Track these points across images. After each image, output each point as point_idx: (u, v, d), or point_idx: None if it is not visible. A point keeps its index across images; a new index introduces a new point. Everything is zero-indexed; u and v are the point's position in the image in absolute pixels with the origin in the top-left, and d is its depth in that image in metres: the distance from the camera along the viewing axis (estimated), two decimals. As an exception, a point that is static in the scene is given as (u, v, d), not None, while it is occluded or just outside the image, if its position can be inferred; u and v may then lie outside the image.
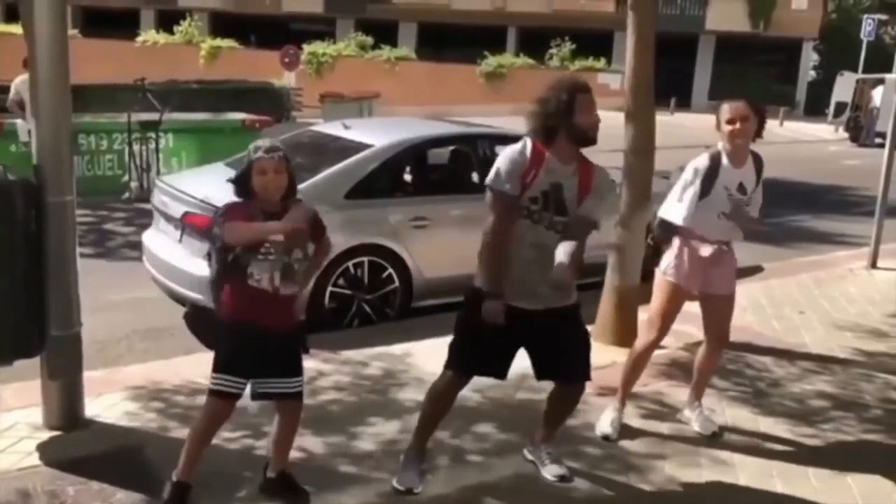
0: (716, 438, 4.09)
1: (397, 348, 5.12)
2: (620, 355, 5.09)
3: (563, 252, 3.17)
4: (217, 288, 3.21)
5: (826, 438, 4.20)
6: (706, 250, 3.92)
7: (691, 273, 3.95)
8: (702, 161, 3.88)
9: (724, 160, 3.87)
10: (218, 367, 3.13)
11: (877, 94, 22.08)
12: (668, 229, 3.97)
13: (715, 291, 4.01)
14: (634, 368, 4.16)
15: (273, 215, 3.06)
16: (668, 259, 4.03)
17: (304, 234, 3.12)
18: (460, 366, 3.45)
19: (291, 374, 3.20)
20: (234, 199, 3.16)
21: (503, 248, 3.28)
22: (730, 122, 3.80)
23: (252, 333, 3.09)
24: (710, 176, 3.83)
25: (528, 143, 3.33)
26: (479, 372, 3.49)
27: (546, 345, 3.40)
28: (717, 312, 4.08)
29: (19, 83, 9.93)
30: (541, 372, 3.49)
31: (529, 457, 3.77)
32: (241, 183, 3.10)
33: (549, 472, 3.64)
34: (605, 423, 4.10)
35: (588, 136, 3.31)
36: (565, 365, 3.44)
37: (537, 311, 3.33)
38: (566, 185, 3.31)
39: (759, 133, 3.89)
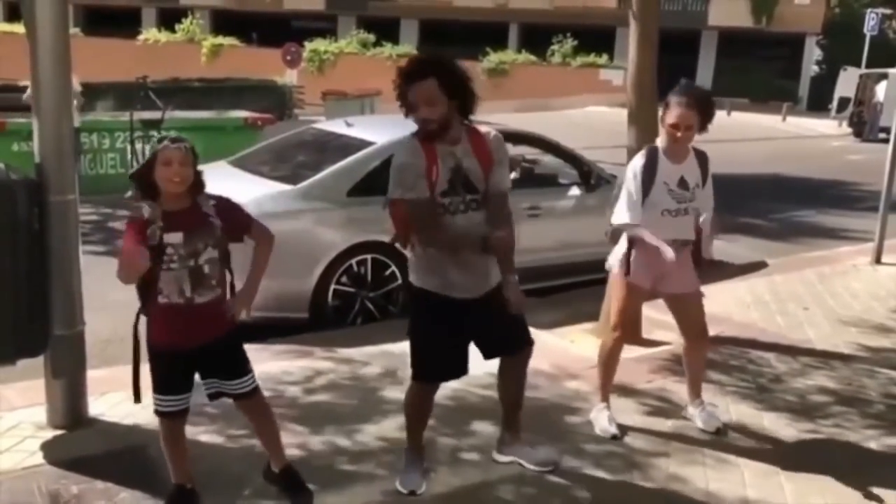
0: (720, 435, 4.08)
1: (400, 346, 5.10)
2: (623, 352, 5.09)
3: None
4: (139, 294, 3.00)
5: (830, 434, 4.19)
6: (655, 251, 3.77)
7: (641, 270, 3.90)
8: (637, 161, 3.88)
9: (661, 156, 3.85)
10: (155, 388, 3.05)
11: (880, 89, 22.04)
12: (619, 236, 3.97)
13: (677, 290, 3.99)
14: (606, 368, 4.15)
15: (176, 214, 2.88)
16: (615, 255, 4.03)
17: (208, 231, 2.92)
18: (423, 375, 3.44)
19: (236, 376, 3.09)
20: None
21: (444, 235, 3.20)
22: (672, 126, 3.77)
23: (180, 357, 2.98)
24: (649, 173, 3.81)
25: (416, 142, 3.19)
26: (441, 378, 3.48)
27: (488, 326, 3.37)
28: (687, 310, 4.06)
29: None
30: (489, 351, 3.47)
31: (504, 459, 3.71)
32: (142, 176, 2.89)
33: (538, 463, 3.65)
34: (605, 424, 4.06)
35: (425, 133, 3.17)
36: (510, 337, 3.44)
37: (475, 299, 3.30)
38: (465, 162, 3.21)
39: (703, 128, 3.81)
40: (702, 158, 3.96)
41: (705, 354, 4.30)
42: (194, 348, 2.98)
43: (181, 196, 2.92)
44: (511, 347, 3.50)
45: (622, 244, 3.98)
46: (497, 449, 3.76)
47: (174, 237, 2.87)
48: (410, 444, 3.58)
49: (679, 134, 3.77)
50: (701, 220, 3.90)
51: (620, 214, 3.90)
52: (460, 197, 3.22)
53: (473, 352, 3.46)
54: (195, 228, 2.91)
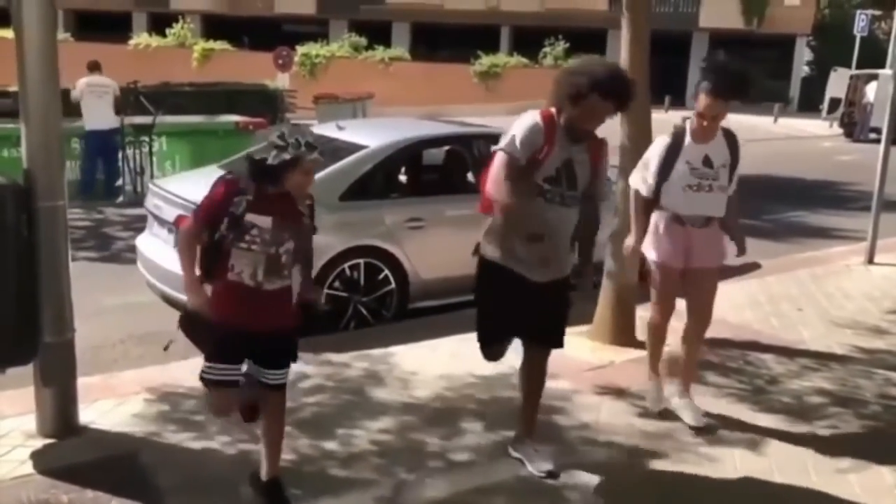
0: (709, 433, 4.06)
1: (391, 350, 5.09)
2: (618, 355, 5.08)
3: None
4: (203, 262, 3.01)
5: (825, 435, 4.18)
6: (681, 226, 4.01)
7: (672, 249, 4.04)
8: (662, 139, 4.04)
9: (688, 137, 3.97)
10: (207, 355, 3.07)
11: (870, 90, 22.11)
12: (639, 201, 4.14)
13: (697, 265, 4.06)
14: (653, 345, 4.34)
15: (270, 198, 2.92)
16: (648, 238, 4.13)
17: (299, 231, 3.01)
18: (484, 338, 3.66)
19: (280, 367, 3.12)
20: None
21: (517, 207, 3.35)
22: (700, 115, 3.90)
23: (239, 335, 3.00)
24: (672, 151, 3.96)
25: (540, 120, 3.41)
26: (498, 339, 3.68)
27: (541, 312, 3.54)
28: (699, 287, 4.12)
29: (82, 84, 10.71)
30: (530, 336, 3.64)
31: (515, 454, 3.76)
32: (272, 173, 2.88)
33: (537, 468, 3.64)
34: (654, 398, 4.30)
35: (577, 136, 3.42)
36: (553, 332, 3.62)
37: (543, 282, 3.48)
38: (577, 160, 3.43)
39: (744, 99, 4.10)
40: (731, 139, 4.04)
41: (701, 340, 4.32)
42: (256, 332, 2.98)
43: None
44: (548, 342, 3.66)
45: (650, 229, 4.10)
46: (510, 443, 3.82)
47: (262, 220, 2.89)
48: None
49: (706, 123, 3.90)
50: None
51: (637, 179, 4.13)
52: (561, 188, 3.41)
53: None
54: (287, 219, 2.95)
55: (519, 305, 3.51)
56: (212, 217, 2.94)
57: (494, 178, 3.39)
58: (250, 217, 2.89)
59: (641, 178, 4.10)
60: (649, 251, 4.14)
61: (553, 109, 3.44)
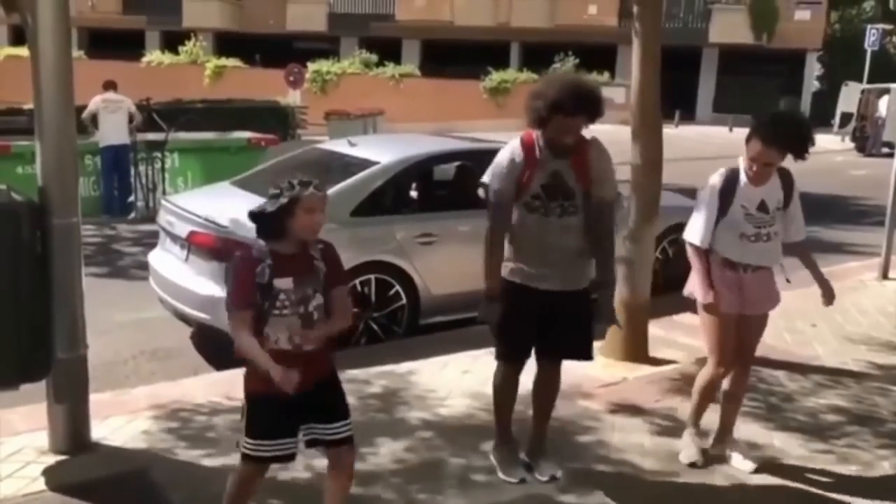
0: (759, 472, 3.87)
1: (404, 366, 5.08)
2: (631, 371, 5.05)
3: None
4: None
5: (841, 454, 4.13)
6: (733, 271, 3.72)
7: (728, 297, 3.71)
8: (716, 179, 3.71)
9: (742, 178, 3.67)
10: (249, 433, 2.81)
11: (882, 104, 22.04)
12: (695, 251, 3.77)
13: (752, 311, 3.79)
14: (702, 399, 3.97)
15: (286, 258, 2.76)
16: (693, 282, 3.79)
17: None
18: (503, 354, 3.69)
19: (334, 420, 2.87)
20: (243, 232, 2.80)
21: (500, 245, 3.51)
22: (751, 160, 3.60)
23: (284, 403, 2.74)
24: (726, 194, 3.65)
25: (518, 144, 3.50)
26: (516, 357, 3.67)
27: (558, 323, 3.57)
28: (747, 330, 3.83)
29: (98, 101, 10.87)
30: (546, 349, 3.66)
31: (525, 458, 3.81)
32: (274, 221, 2.74)
33: (543, 472, 3.71)
34: (691, 453, 3.94)
35: (558, 149, 3.45)
36: (568, 342, 3.62)
37: (557, 291, 3.52)
38: (564, 169, 3.47)
39: (799, 157, 3.62)
40: (786, 178, 3.73)
41: (744, 389, 4.07)
42: (300, 394, 2.74)
43: (308, 243, 2.82)
44: (569, 354, 3.68)
45: (696, 270, 3.77)
46: (524, 450, 3.87)
47: (284, 283, 2.74)
48: (499, 436, 3.79)
49: (755, 169, 3.61)
50: (790, 241, 3.78)
51: (693, 232, 3.74)
52: (557, 201, 3.46)
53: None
54: (305, 274, 2.78)
55: (532, 317, 3.56)
56: (249, 296, 2.74)
57: (488, 213, 3.57)
58: (276, 284, 2.74)
59: (695, 229, 3.73)
60: (699, 294, 3.76)
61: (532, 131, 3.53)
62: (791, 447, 4.17)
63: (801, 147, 3.59)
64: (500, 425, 3.83)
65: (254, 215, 2.80)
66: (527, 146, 3.50)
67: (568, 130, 3.40)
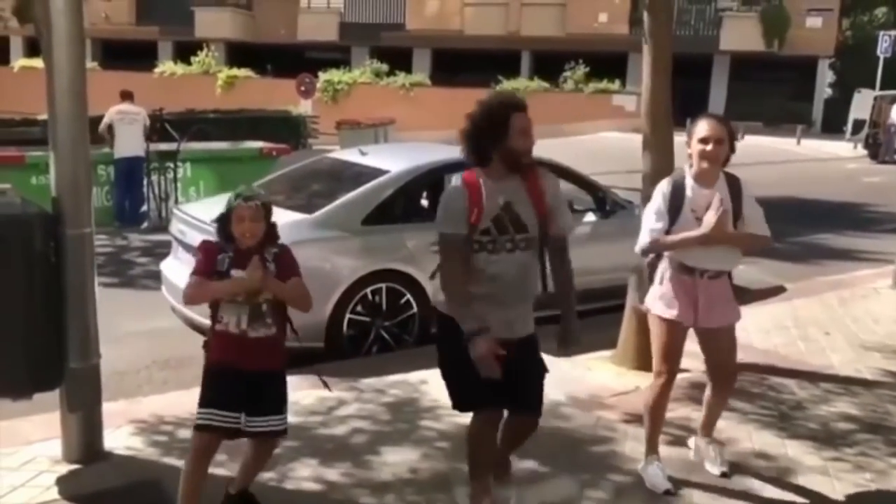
0: (725, 478, 3.84)
1: (415, 375, 5.07)
2: (643, 380, 5.02)
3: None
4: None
5: (855, 463, 4.10)
6: (689, 276, 3.64)
7: (681, 304, 3.65)
8: (663, 186, 3.68)
9: (689, 181, 3.62)
10: (200, 402, 3.19)
11: (894, 111, 21.89)
12: (651, 256, 3.75)
13: (711, 324, 3.70)
14: (653, 417, 3.82)
15: (245, 253, 3.13)
16: (653, 292, 3.76)
17: (260, 282, 3.09)
18: (463, 403, 3.28)
19: (271, 413, 3.21)
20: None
21: (464, 285, 3.14)
22: (703, 140, 3.53)
23: (229, 374, 3.15)
24: (676, 200, 3.60)
25: (461, 181, 3.19)
26: (483, 401, 3.21)
27: (513, 374, 3.19)
28: (716, 347, 3.77)
29: (113, 113, 10.90)
30: (502, 399, 3.23)
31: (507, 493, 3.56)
32: (221, 227, 3.21)
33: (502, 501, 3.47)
34: (655, 479, 3.75)
35: (520, 163, 3.17)
36: (527, 395, 3.29)
37: (512, 340, 3.20)
38: (515, 199, 3.18)
39: (725, 161, 3.61)
40: (733, 183, 3.66)
41: (727, 398, 4.00)
42: (245, 372, 3.14)
43: (253, 247, 3.18)
44: (522, 407, 3.32)
45: (655, 280, 3.76)
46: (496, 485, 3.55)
47: (240, 274, 3.11)
48: (474, 487, 3.36)
49: (709, 147, 3.52)
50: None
51: (641, 241, 3.71)
52: (509, 234, 3.17)
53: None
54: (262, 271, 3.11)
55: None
56: (205, 275, 3.18)
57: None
58: (234, 272, 3.13)
59: (649, 236, 3.67)
60: (654, 304, 3.74)
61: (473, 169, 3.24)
62: (803, 456, 4.13)
63: (732, 133, 3.63)
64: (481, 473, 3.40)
65: (214, 221, 3.31)
66: (469, 184, 3.17)
67: (527, 130, 3.14)
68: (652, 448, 3.85)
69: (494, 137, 3.15)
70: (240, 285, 3.09)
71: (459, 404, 3.30)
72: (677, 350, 3.73)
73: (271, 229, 3.22)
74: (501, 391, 3.17)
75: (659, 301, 3.71)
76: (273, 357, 3.24)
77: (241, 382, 3.15)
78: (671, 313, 3.67)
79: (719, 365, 3.81)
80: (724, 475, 3.87)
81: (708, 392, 3.97)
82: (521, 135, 3.15)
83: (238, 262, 3.14)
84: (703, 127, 3.57)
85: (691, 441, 4.13)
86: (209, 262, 3.17)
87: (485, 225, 3.14)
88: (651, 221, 3.68)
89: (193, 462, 3.20)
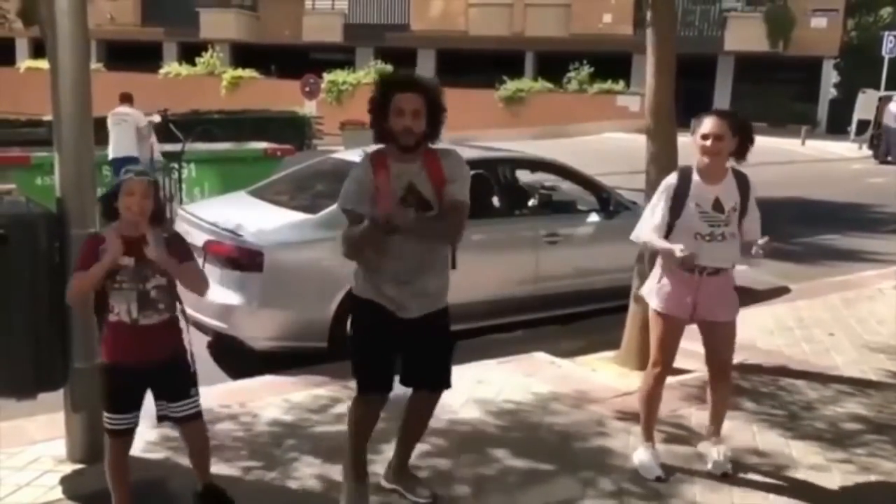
0: (726, 479, 3.85)
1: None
2: (647, 380, 5.02)
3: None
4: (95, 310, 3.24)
5: (861, 463, 4.09)
6: (689, 272, 3.69)
7: (677, 299, 3.74)
8: (670, 178, 3.79)
9: (695, 176, 3.72)
10: (105, 406, 3.22)
11: (891, 110, 21.62)
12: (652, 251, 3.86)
13: (709, 318, 3.78)
14: (648, 406, 3.95)
15: (131, 240, 3.09)
16: (650, 285, 3.88)
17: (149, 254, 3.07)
18: (358, 386, 3.41)
19: (179, 398, 3.24)
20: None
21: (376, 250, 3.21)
22: (703, 136, 3.64)
23: (126, 372, 3.15)
24: (680, 194, 3.69)
25: (368, 159, 3.28)
26: (372, 389, 3.38)
27: (417, 352, 3.36)
28: (713, 341, 3.85)
29: (109, 115, 10.73)
30: (408, 378, 3.43)
31: (389, 485, 3.63)
32: (107, 202, 3.16)
33: (419, 495, 3.55)
34: (649, 464, 3.87)
35: (398, 143, 3.18)
36: (433, 372, 3.41)
37: (412, 319, 3.29)
38: (418, 181, 3.21)
39: (741, 154, 3.70)
40: (742, 180, 3.75)
41: (726, 394, 4.05)
42: (142, 368, 3.15)
43: (139, 224, 3.12)
44: (430, 383, 3.44)
45: (654, 272, 3.87)
46: (385, 475, 3.67)
47: (126, 261, 3.09)
48: (353, 467, 3.49)
49: (708, 143, 3.61)
50: (753, 250, 3.70)
51: (638, 231, 3.85)
52: (416, 215, 3.20)
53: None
54: (144, 256, 3.10)
55: (393, 346, 3.33)
56: (87, 266, 3.12)
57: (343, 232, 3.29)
58: (123, 260, 3.09)
59: (646, 228, 3.81)
60: (651, 297, 3.85)
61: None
62: (810, 456, 4.12)
63: (746, 129, 3.68)
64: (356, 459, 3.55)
65: (99, 198, 3.28)
66: (376, 161, 3.26)
67: (403, 111, 3.12)
68: (647, 436, 3.97)
69: (378, 117, 3.20)
70: (115, 254, 3.06)
71: (357, 384, 3.40)
72: (673, 343, 3.85)
73: (158, 211, 3.21)
74: (387, 378, 3.33)
75: (657, 295, 3.81)
76: (168, 344, 3.22)
77: (139, 379, 3.18)
78: (668, 308, 3.77)
79: (715, 357, 3.89)
80: (725, 475, 3.88)
81: (709, 390, 4.04)
82: (396, 115, 3.15)
83: (127, 251, 3.09)
84: (704, 123, 3.67)
85: (701, 445, 4.11)
86: (91, 255, 3.10)
87: (392, 204, 3.16)
88: (647, 215, 3.83)
89: (109, 466, 3.29)
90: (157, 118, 11.56)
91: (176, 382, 3.25)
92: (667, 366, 3.89)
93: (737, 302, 3.87)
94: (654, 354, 3.88)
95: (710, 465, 3.95)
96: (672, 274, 3.74)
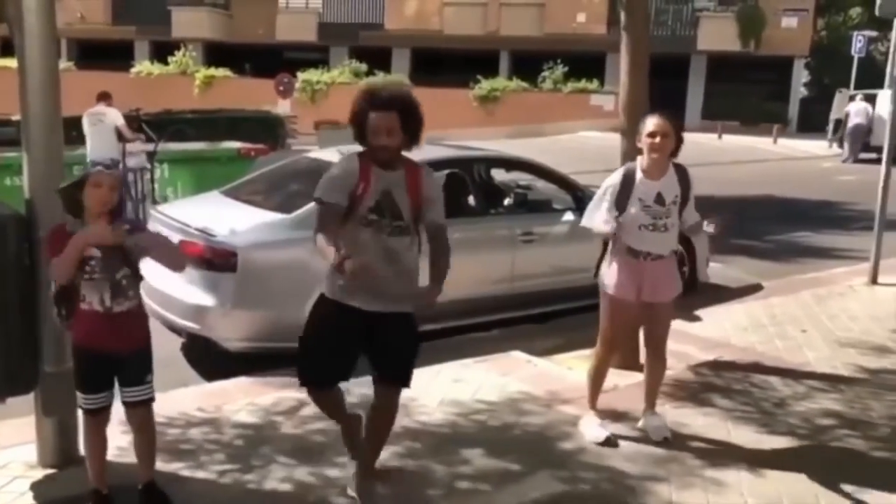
0: (665, 445, 4.15)
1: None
2: (622, 378, 5.05)
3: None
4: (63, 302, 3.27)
5: (834, 458, 4.14)
6: (634, 258, 4.08)
7: (626, 283, 4.11)
8: (615, 176, 4.12)
9: (639, 174, 4.06)
10: (78, 387, 3.33)
11: (853, 110, 21.78)
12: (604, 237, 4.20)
13: (650, 299, 4.14)
14: (595, 379, 4.38)
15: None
16: (603, 269, 4.23)
17: (115, 239, 3.15)
18: (310, 379, 3.48)
19: (137, 384, 3.32)
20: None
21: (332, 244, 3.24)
22: (650, 135, 3.98)
23: (100, 356, 3.24)
24: (624, 190, 4.05)
25: (357, 156, 3.40)
26: (316, 381, 3.50)
27: (386, 347, 3.45)
28: (652, 321, 4.24)
29: (84, 115, 10.70)
30: (381, 372, 3.53)
31: (351, 493, 3.59)
32: (70, 194, 3.18)
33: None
34: (594, 431, 4.24)
35: (377, 158, 3.33)
36: (394, 366, 3.50)
37: (376, 312, 3.37)
38: (395, 191, 3.35)
39: (674, 152, 4.06)
40: (682, 174, 4.11)
41: (661, 371, 4.37)
42: (113, 354, 3.25)
43: (102, 217, 3.19)
44: (388, 375, 3.53)
45: (606, 258, 4.22)
46: (350, 484, 3.62)
47: (95, 251, 3.16)
48: (348, 448, 3.67)
49: (656, 140, 3.95)
50: (704, 224, 4.15)
51: (590, 219, 4.17)
52: (387, 220, 3.35)
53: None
54: (111, 247, 3.17)
55: (350, 341, 3.40)
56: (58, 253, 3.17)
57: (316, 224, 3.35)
58: (86, 251, 3.16)
59: (594, 216, 4.15)
60: (603, 281, 4.23)
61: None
62: (783, 451, 4.17)
63: (680, 130, 4.05)
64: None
65: (58, 191, 3.25)
66: (363, 159, 3.37)
67: (378, 130, 3.26)
68: (592, 405, 4.37)
69: (358, 131, 3.37)
70: (95, 235, 3.12)
71: (301, 377, 3.48)
72: (620, 322, 4.26)
73: (120, 206, 3.26)
74: (341, 364, 3.43)
75: (609, 279, 4.18)
76: (137, 331, 3.34)
77: (111, 363, 3.27)
78: (618, 290, 4.15)
79: (652, 335, 4.29)
80: (665, 440, 4.18)
81: (645, 368, 4.41)
82: (373, 134, 3.30)
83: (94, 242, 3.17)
84: (650, 123, 4.03)
85: (641, 421, 4.36)
86: (60, 242, 3.15)
87: (370, 203, 3.32)
88: (592, 207, 4.17)
89: (87, 443, 3.43)
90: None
91: (139, 368, 3.34)
92: (616, 343, 4.39)
93: (677, 285, 4.24)
94: (604, 332, 4.27)
95: (650, 434, 4.21)
96: (622, 261, 4.12)
